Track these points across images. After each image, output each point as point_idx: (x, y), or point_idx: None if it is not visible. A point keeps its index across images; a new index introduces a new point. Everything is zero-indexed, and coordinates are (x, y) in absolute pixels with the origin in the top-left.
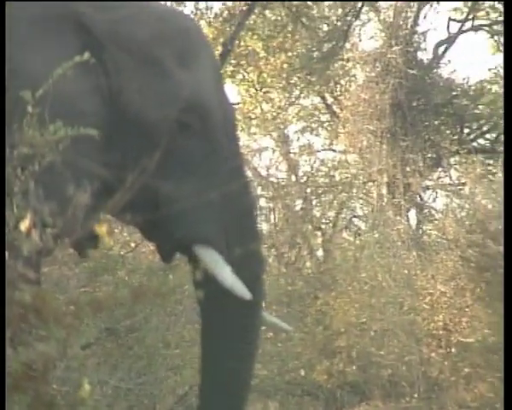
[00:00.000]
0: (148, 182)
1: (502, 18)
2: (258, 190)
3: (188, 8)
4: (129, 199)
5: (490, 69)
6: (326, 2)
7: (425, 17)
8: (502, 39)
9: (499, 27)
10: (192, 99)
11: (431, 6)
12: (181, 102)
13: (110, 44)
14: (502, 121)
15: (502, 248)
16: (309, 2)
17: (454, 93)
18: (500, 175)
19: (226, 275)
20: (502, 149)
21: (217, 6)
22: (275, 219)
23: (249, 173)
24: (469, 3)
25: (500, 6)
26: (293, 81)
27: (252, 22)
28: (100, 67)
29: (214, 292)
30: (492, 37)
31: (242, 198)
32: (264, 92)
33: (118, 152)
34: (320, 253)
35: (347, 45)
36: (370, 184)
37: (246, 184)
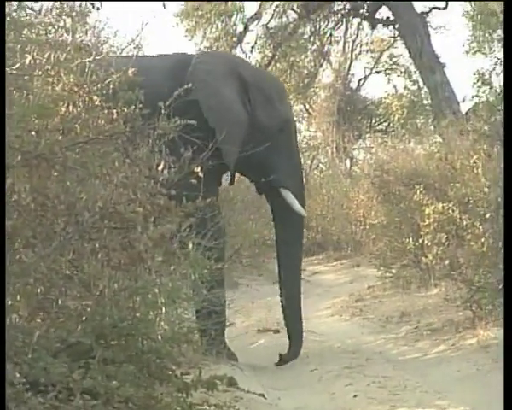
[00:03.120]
0: (260, 156)
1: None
2: None
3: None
4: (247, 164)
5: (385, 91)
6: (304, 59)
7: (353, 67)
8: (392, 77)
9: (391, 72)
10: (285, 117)
11: (355, 62)
12: (281, 119)
13: (252, 87)
14: (391, 117)
15: (391, 177)
16: (296, 61)
17: (367, 103)
18: (389, 142)
19: (295, 205)
20: (390, 129)
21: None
22: None
23: None
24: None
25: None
26: (290, 97)
27: (270, 69)
28: (247, 97)
29: (282, 208)
30: (386, 76)
31: (300, 166)
32: None
33: (247, 138)
34: (304, 180)
35: (316, 80)
36: (327, 147)
37: (299, 158)
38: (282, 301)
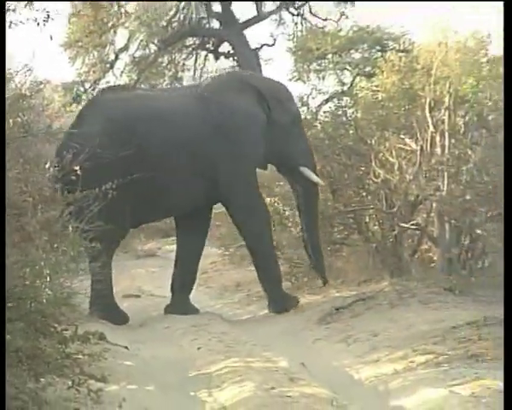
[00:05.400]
0: (280, 145)
1: None
2: None
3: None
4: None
5: None
6: (163, 82)
7: None
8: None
9: None
10: (294, 113)
11: None
12: (293, 116)
13: (268, 97)
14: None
15: None
16: (156, 84)
17: None
18: None
19: (313, 176)
20: None
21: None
22: None
23: None
24: None
25: None
26: None
27: None
28: (265, 104)
29: (300, 183)
30: None
31: (309, 148)
32: None
33: (269, 133)
34: None
35: None
36: None
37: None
38: (306, 247)
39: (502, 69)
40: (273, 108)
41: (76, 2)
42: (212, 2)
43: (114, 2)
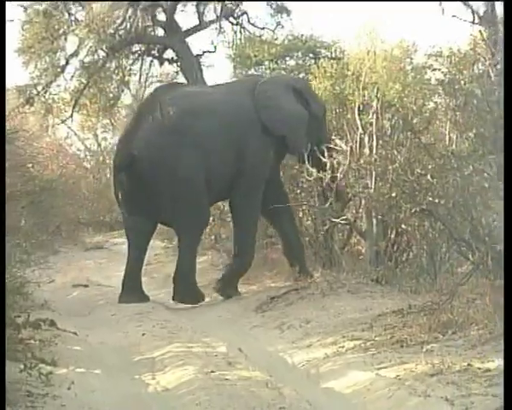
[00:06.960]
0: (317, 133)
1: None
2: None
3: None
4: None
5: None
6: (110, 86)
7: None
8: None
9: None
10: (323, 106)
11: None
12: (323, 108)
13: (305, 93)
14: None
15: None
16: (104, 87)
17: None
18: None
19: None
20: None
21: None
22: None
23: None
24: None
25: None
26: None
27: (85, 93)
28: (303, 100)
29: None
30: None
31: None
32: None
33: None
34: None
35: (119, 102)
36: None
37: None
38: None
39: (425, 76)
40: (311, 103)
41: (29, 11)
42: (156, 12)
43: (65, 11)
